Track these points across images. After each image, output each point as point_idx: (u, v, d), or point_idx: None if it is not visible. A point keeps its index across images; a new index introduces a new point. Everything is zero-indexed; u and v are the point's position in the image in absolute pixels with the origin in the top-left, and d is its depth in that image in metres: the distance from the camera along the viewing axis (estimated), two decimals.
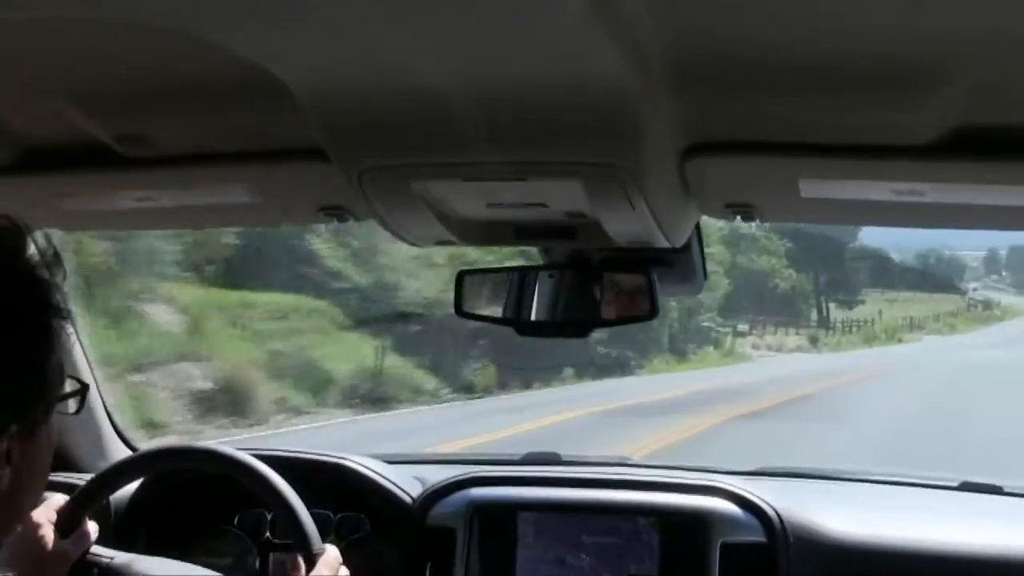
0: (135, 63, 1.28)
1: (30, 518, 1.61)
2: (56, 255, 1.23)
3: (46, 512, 1.64)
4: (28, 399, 1.17)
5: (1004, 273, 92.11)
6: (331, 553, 1.65)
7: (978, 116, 1.25)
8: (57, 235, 2.14)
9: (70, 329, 1.23)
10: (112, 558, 1.71)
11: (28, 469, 1.20)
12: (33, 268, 1.18)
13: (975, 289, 78.60)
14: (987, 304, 73.87)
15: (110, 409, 2.43)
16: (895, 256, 69.29)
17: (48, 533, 1.62)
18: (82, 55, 1.26)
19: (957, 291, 73.13)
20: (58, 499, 1.68)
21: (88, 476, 1.88)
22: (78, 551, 1.66)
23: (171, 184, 1.62)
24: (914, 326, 55.06)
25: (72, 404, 1.31)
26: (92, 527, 1.68)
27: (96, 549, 1.69)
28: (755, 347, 36.84)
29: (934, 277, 73.91)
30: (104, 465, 1.94)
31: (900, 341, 45.16)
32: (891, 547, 1.96)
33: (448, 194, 1.45)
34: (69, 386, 1.29)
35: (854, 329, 48.32)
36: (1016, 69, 1.16)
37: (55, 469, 2.20)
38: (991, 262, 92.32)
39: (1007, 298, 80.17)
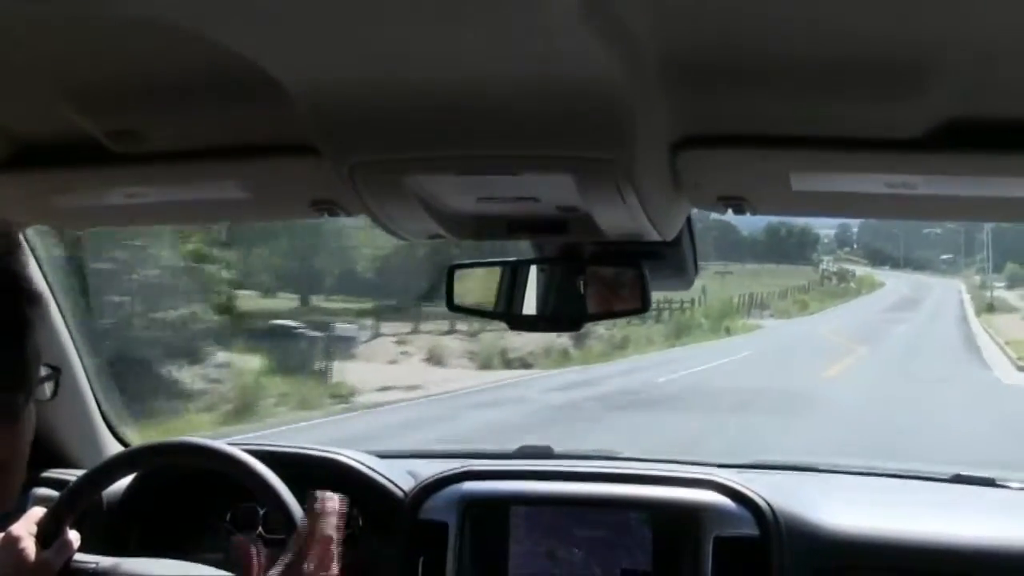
0: (126, 59, 1.28)
1: (10, 532, 1.61)
2: (16, 241, 1.23)
3: (26, 525, 1.63)
4: (10, 387, 1.18)
5: (856, 245, 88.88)
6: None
7: (970, 109, 1.25)
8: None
9: (50, 314, 1.23)
10: (97, 563, 1.70)
11: (13, 455, 1.21)
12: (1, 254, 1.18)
13: (829, 261, 73.33)
14: (842, 275, 67.42)
15: (102, 404, 2.43)
16: (743, 229, 63.44)
17: (29, 545, 1.61)
18: (73, 51, 1.26)
19: (809, 263, 67.43)
20: (36, 511, 1.67)
21: (79, 472, 1.88)
22: (61, 560, 1.65)
23: (163, 180, 1.61)
24: (755, 305, 43.23)
25: (48, 390, 1.31)
26: (73, 535, 1.68)
27: (80, 556, 1.69)
28: (434, 359, 19.81)
29: (784, 249, 67.75)
30: (96, 460, 1.94)
31: (729, 332, 32.39)
32: (884, 539, 1.97)
33: (440, 188, 1.45)
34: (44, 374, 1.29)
35: (665, 315, 31.78)
36: (1007, 64, 1.16)
37: (47, 465, 2.22)
38: (843, 235, 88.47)
39: (861, 269, 74.99)
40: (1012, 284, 54.23)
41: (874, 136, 1.30)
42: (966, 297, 52.51)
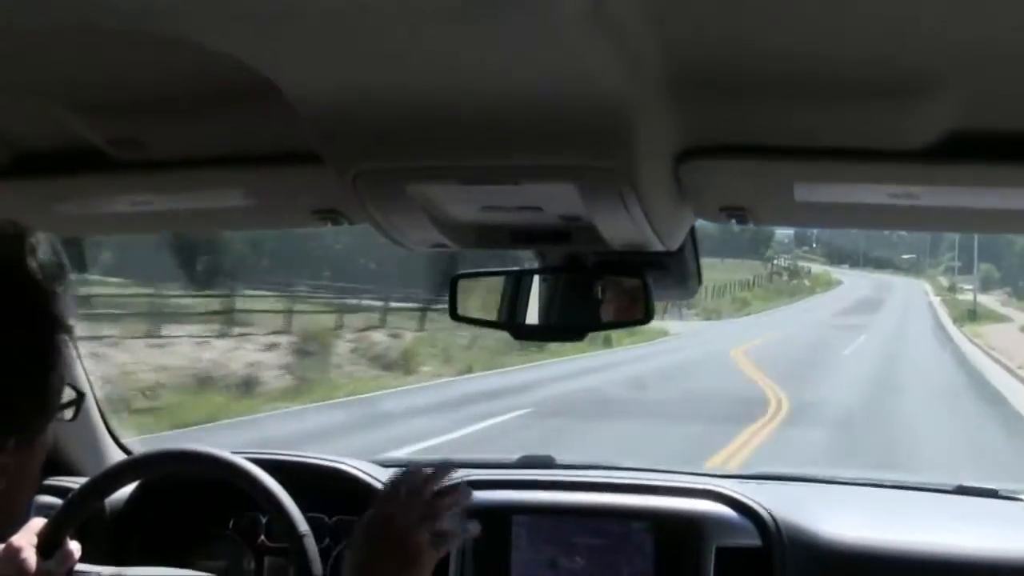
0: (129, 67, 1.28)
1: (10, 543, 1.60)
2: (60, 264, 1.21)
3: (26, 536, 1.63)
4: (29, 414, 1.17)
5: (815, 244, 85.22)
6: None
7: (973, 120, 1.25)
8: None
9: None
10: (99, 573, 1.70)
11: (23, 475, 1.20)
12: (36, 279, 1.16)
13: (787, 259, 67.36)
14: (794, 272, 61.39)
15: (104, 412, 2.43)
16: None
17: (30, 557, 1.61)
18: (75, 59, 1.26)
19: (761, 258, 61.35)
20: (37, 522, 1.67)
21: (82, 479, 1.88)
22: (62, 571, 1.65)
23: (165, 188, 1.61)
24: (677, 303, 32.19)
25: (68, 412, 1.30)
26: (74, 546, 1.68)
27: (81, 566, 1.68)
28: None
29: (736, 244, 60.77)
30: (99, 468, 1.94)
31: (610, 343, 23.59)
32: (886, 550, 1.96)
33: (443, 197, 1.45)
34: (66, 395, 1.28)
35: None
36: (1010, 76, 1.16)
37: (50, 473, 2.22)
38: (801, 234, 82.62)
39: (818, 267, 70.09)
40: (986, 287, 47.28)
41: (877, 147, 1.30)
42: (935, 300, 47.21)
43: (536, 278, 1.84)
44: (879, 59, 1.14)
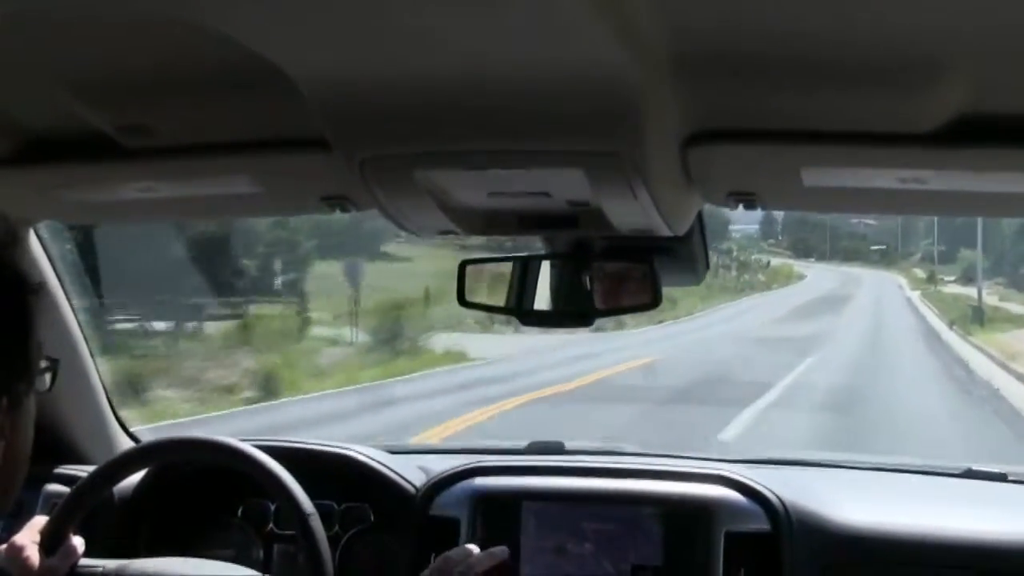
0: (137, 53, 1.28)
1: (13, 542, 1.61)
2: (12, 233, 1.24)
3: (29, 534, 1.64)
4: (14, 374, 1.19)
5: (780, 237, 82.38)
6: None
7: (981, 104, 1.25)
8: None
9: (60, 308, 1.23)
10: (103, 566, 1.71)
11: (18, 442, 1.21)
12: None
13: (742, 252, 58.32)
14: (745, 265, 52.18)
15: (112, 399, 2.43)
16: None
17: (33, 554, 1.62)
18: (83, 45, 1.26)
19: (715, 250, 50.19)
20: (39, 520, 1.68)
21: (91, 468, 1.89)
22: (66, 566, 1.65)
23: (173, 175, 1.61)
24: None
25: (46, 380, 1.32)
26: (78, 541, 1.68)
27: (85, 561, 1.69)
28: None
29: None
30: (107, 456, 1.94)
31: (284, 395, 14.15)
32: (895, 534, 1.96)
33: (450, 183, 1.45)
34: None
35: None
36: (1018, 60, 1.15)
37: (60, 461, 2.23)
38: (767, 228, 74.30)
39: (782, 260, 64.20)
40: (973, 277, 34.89)
41: (886, 131, 1.30)
42: (914, 295, 38.48)
43: (544, 264, 1.84)
44: (887, 43, 1.13)
